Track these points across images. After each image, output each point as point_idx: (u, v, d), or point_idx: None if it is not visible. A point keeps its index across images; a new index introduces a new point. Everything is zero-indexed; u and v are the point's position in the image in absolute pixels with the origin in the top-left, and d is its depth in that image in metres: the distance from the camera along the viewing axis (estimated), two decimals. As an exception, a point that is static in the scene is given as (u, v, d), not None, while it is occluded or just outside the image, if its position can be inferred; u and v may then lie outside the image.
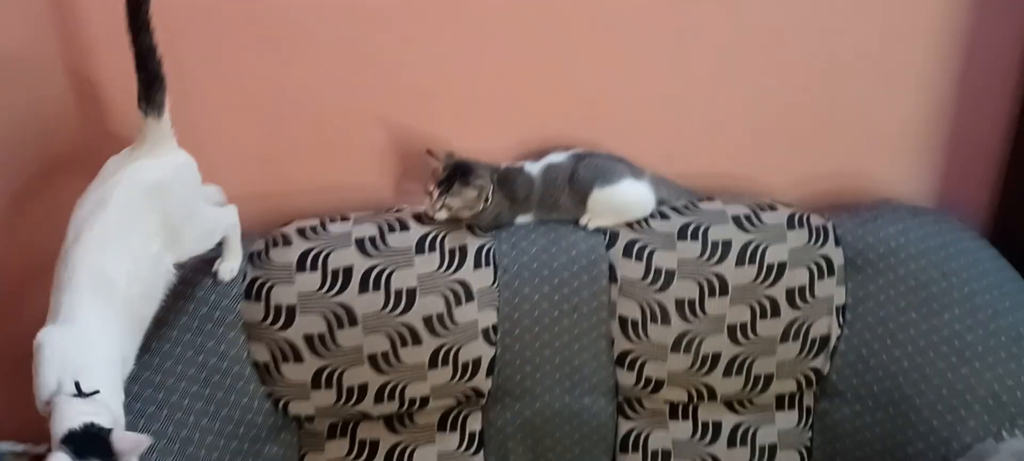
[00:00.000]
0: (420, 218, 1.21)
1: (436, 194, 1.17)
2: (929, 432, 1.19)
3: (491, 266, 1.20)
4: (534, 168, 1.23)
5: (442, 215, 1.18)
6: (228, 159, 1.26)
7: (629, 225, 1.24)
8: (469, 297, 1.18)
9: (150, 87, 0.99)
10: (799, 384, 1.28)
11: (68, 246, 0.93)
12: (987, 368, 1.18)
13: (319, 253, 1.16)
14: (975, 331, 1.19)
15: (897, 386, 1.22)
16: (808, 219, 1.26)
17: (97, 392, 0.86)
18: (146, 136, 1.01)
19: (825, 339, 1.25)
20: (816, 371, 1.27)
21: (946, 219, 1.29)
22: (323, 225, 1.20)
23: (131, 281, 0.96)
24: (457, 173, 1.17)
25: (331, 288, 1.14)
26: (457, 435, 1.25)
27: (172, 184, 1.03)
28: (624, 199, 1.22)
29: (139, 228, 0.98)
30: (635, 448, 1.27)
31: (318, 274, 1.15)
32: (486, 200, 1.17)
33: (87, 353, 0.89)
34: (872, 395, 1.24)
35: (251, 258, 1.17)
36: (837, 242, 1.25)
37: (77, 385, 0.85)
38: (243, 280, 1.16)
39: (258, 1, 1.18)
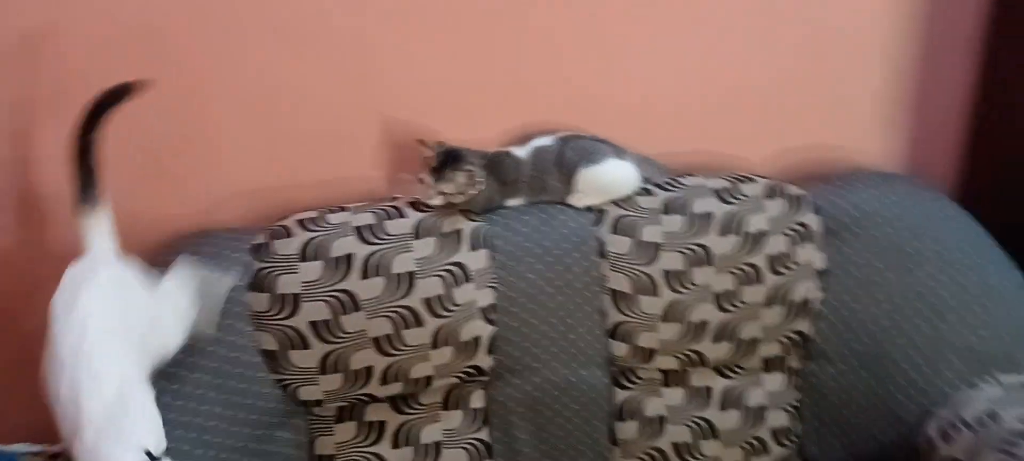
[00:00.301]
0: (416, 205, 1.26)
1: (430, 181, 1.22)
2: (909, 385, 1.25)
3: (486, 248, 1.25)
4: (522, 152, 1.28)
5: (437, 201, 1.23)
6: (234, 153, 1.31)
7: (615, 203, 1.29)
8: (467, 278, 1.23)
9: (92, 177, 1.02)
10: (785, 347, 1.33)
11: (65, 356, 0.91)
12: (960, 321, 1.24)
13: (321, 242, 1.20)
14: (948, 287, 1.26)
15: (877, 343, 1.28)
16: (785, 189, 1.32)
17: (168, 448, 0.89)
18: (96, 230, 1.03)
19: (807, 302, 1.30)
20: (800, 333, 1.32)
21: (915, 183, 1.36)
22: (323, 216, 1.24)
23: (142, 361, 0.99)
24: (448, 159, 1.22)
25: (334, 276, 1.19)
26: (461, 412, 1.30)
27: (131, 277, 1.05)
28: (610, 178, 1.28)
29: (132, 319, 1.00)
30: (631, 416, 1.32)
31: (320, 263, 1.19)
32: (477, 184, 1.23)
33: (134, 419, 0.90)
34: (854, 353, 1.30)
35: (255, 250, 1.22)
36: (814, 210, 1.31)
37: (149, 454, 0.86)
38: (248, 272, 1.20)
39: (263, 3, 1.23)
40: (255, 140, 1.31)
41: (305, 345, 1.20)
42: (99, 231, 1.04)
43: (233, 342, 1.18)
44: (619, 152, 1.29)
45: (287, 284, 1.19)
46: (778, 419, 1.35)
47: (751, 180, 1.33)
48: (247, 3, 1.23)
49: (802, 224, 1.30)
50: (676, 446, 1.33)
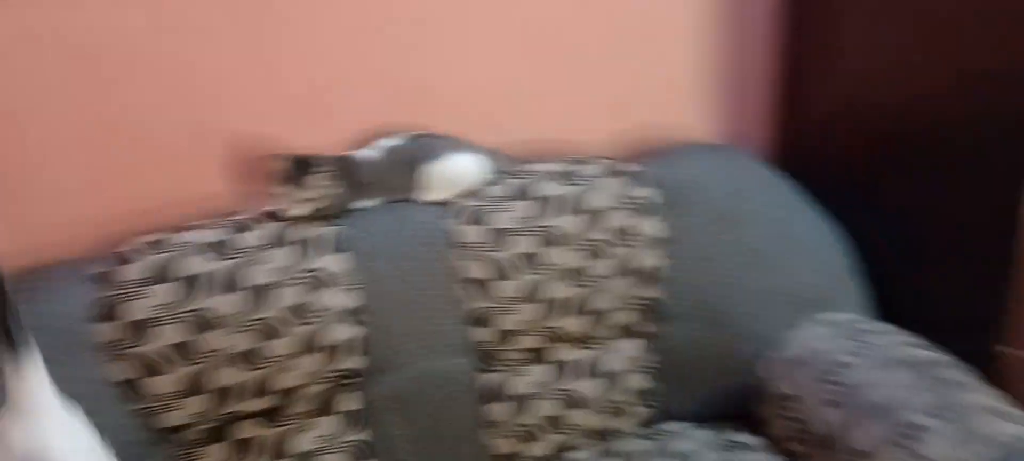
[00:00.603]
0: (271, 216, 1.26)
1: (284, 190, 1.22)
2: (747, 333, 1.38)
3: (345, 250, 1.26)
4: (371, 153, 1.32)
5: (295, 209, 1.23)
6: (61, 189, 1.26)
7: (465, 194, 1.34)
8: (328, 283, 1.24)
9: (19, 324, 0.91)
10: (638, 313, 1.42)
11: None
12: (783, 271, 1.38)
13: (170, 263, 1.18)
14: (770, 242, 1.39)
15: (717, 299, 1.40)
16: (624, 167, 1.41)
17: None
18: (33, 376, 0.92)
19: (653, 270, 1.40)
20: (650, 299, 1.42)
21: (736, 152, 1.50)
22: (170, 237, 1.22)
23: None
24: (300, 167, 1.23)
25: (187, 296, 1.17)
26: (336, 417, 1.30)
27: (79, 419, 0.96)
28: (456, 171, 1.33)
29: None
30: (500, 398, 1.37)
31: (172, 284, 1.17)
32: (332, 188, 1.24)
33: None
34: (699, 312, 1.41)
35: (97, 279, 1.17)
36: (650, 183, 1.41)
37: None
38: (91, 302, 1.16)
39: (73, 25, 1.19)
40: (87, 168, 1.26)
41: (163, 370, 1.17)
42: (36, 376, 0.92)
43: (83, 377, 1.13)
44: (463, 146, 1.34)
45: (136, 310, 1.16)
46: (639, 381, 1.44)
47: (592, 161, 1.41)
48: (46, 29, 1.18)
49: (642, 198, 1.40)
50: (546, 419, 1.39)
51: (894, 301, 1.38)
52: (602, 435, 1.44)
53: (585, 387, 1.41)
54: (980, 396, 1.16)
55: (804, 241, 1.39)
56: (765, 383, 1.34)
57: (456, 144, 1.33)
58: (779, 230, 1.40)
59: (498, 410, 1.37)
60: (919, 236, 1.34)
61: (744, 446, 1.34)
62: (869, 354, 1.25)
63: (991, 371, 1.22)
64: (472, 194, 1.34)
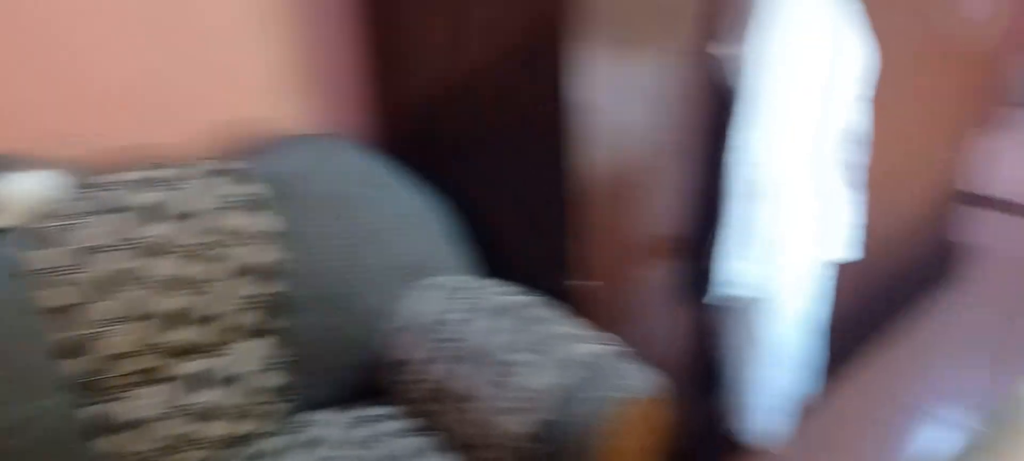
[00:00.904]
0: None
1: None
2: (368, 310, 1.44)
3: None
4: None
5: None
6: None
7: (35, 217, 1.22)
8: None
9: None
10: (263, 312, 1.41)
11: None
12: (391, 247, 1.47)
13: None
14: (377, 221, 1.47)
15: (337, 284, 1.44)
16: (228, 166, 1.39)
17: None
18: None
19: (273, 265, 1.40)
20: (273, 295, 1.42)
21: (338, 140, 1.55)
22: None
23: None
24: None
25: None
26: None
27: None
28: (17, 193, 1.20)
29: None
30: (109, 430, 1.27)
31: None
32: None
33: None
34: (325, 301, 1.44)
35: None
36: (260, 179, 1.41)
37: None
38: None
39: None
40: None
41: None
42: None
43: None
44: (27, 164, 1.22)
45: None
46: (274, 379, 1.44)
47: (192, 164, 1.37)
48: None
49: (251, 195, 1.39)
50: (176, 438, 1.33)
51: (493, 257, 1.55)
52: (244, 440, 1.41)
53: (215, 396, 1.37)
54: (562, 326, 1.35)
55: (408, 216, 1.49)
56: (383, 354, 1.42)
57: (16, 163, 1.20)
58: (384, 209, 1.48)
59: (110, 443, 1.27)
60: (503, 198, 1.51)
61: (376, 418, 1.41)
62: (467, 308, 1.38)
63: (571, 303, 1.42)
64: (45, 215, 1.22)
